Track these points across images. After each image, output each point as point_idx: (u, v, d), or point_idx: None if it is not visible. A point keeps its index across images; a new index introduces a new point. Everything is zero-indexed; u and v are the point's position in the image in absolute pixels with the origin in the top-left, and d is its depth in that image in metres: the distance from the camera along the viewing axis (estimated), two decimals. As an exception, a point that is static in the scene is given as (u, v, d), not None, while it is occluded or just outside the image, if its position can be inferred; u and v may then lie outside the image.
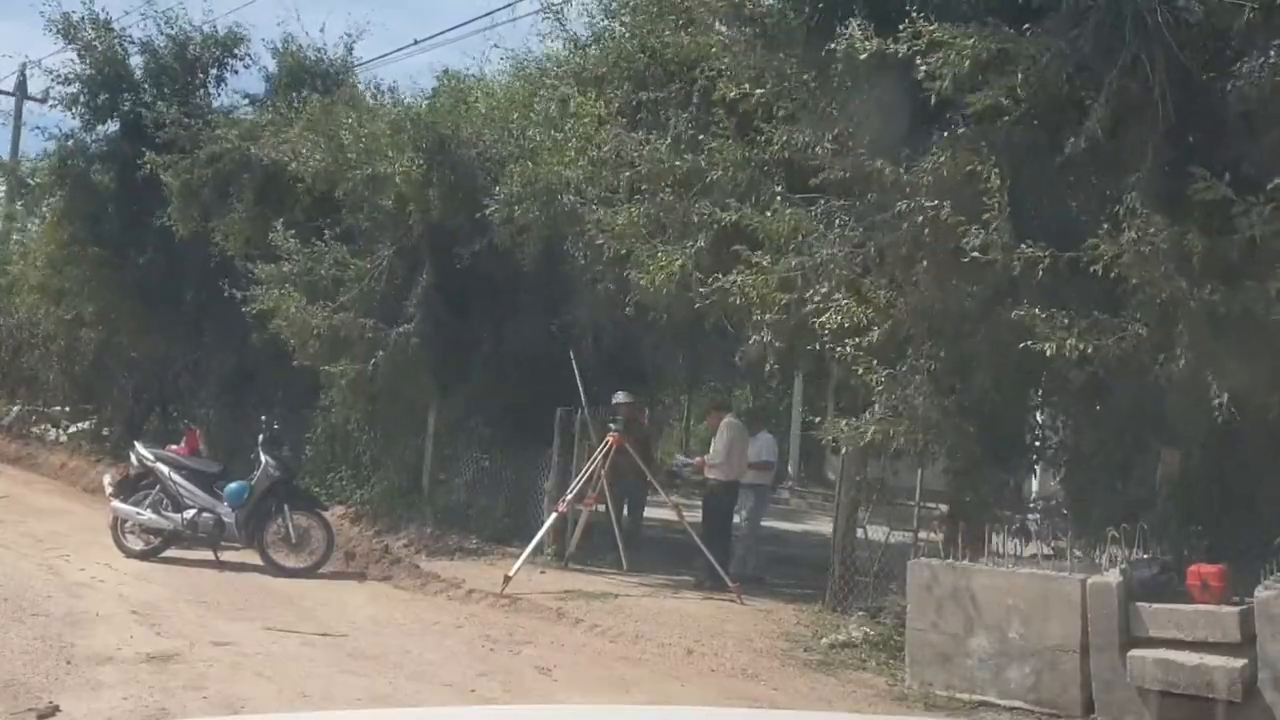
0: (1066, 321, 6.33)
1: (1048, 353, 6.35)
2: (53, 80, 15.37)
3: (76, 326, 17.05)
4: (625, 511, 11.92)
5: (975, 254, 6.54)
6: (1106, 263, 6.21)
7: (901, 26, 6.61)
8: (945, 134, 6.70)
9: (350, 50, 15.33)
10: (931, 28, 6.48)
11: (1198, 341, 6.19)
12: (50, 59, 15.59)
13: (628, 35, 10.44)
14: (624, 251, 8.91)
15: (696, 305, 8.40)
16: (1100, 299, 6.46)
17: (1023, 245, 6.42)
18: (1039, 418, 8.77)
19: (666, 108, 9.44)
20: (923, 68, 6.49)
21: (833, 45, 7.02)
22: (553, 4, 11.20)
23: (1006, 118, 6.48)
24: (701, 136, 8.63)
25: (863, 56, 6.81)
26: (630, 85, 9.97)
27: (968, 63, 6.37)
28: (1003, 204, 6.51)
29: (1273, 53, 5.96)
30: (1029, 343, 6.42)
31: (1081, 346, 6.28)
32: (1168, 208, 6.22)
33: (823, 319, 7.33)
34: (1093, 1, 6.38)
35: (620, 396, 11.42)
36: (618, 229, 8.88)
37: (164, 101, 14.57)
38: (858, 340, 7.22)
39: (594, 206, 9.41)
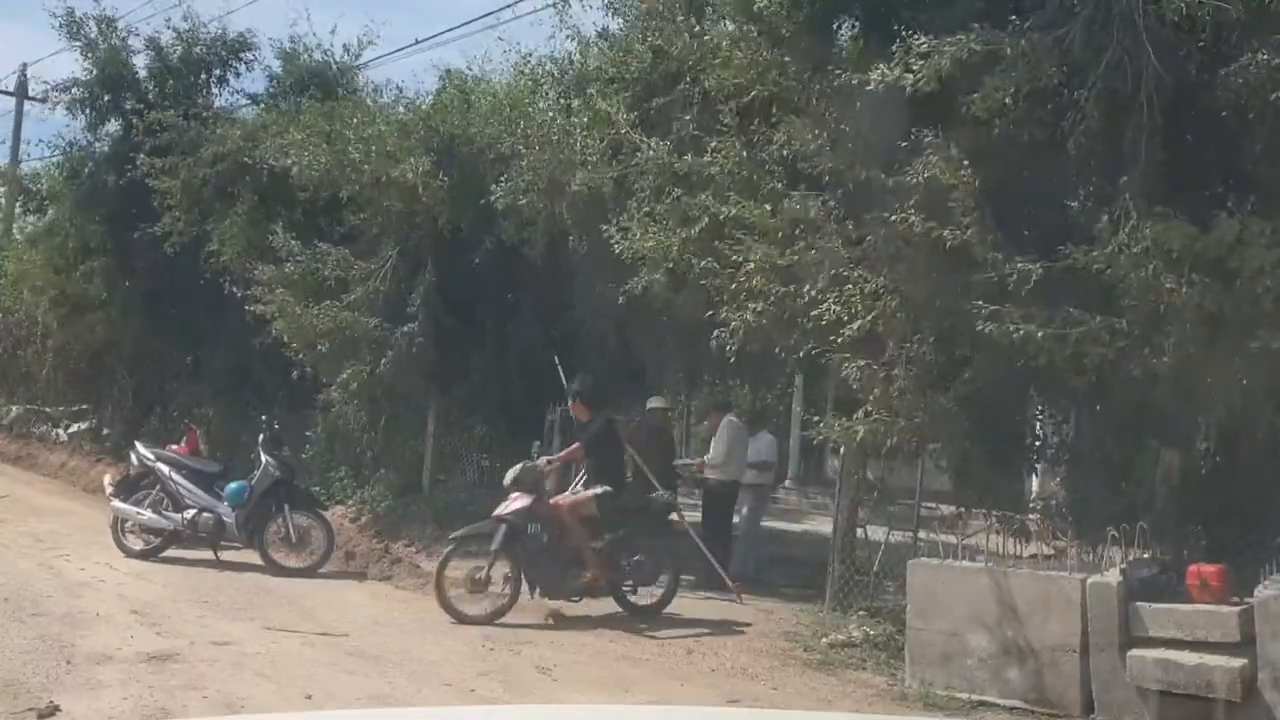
0: (1056, 330, 6.34)
1: (1040, 361, 6.36)
2: (54, 88, 15.45)
3: (77, 325, 17.06)
4: None
5: (960, 257, 6.57)
6: (1099, 266, 6.22)
7: (894, 47, 6.65)
8: (929, 141, 6.72)
9: (358, 57, 15.30)
10: (918, 39, 6.52)
11: (1187, 341, 6.19)
12: (52, 59, 15.70)
13: (630, 33, 10.43)
14: (638, 256, 8.86)
15: (683, 287, 8.38)
16: (1092, 300, 6.46)
17: (1013, 258, 6.42)
18: (1038, 416, 8.77)
19: (672, 110, 9.43)
20: (910, 74, 6.54)
21: (832, 67, 7.07)
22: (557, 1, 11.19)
23: (996, 119, 6.49)
24: (705, 138, 8.62)
25: (868, 88, 6.87)
26: (638, 88, 9.96)
27: (947, 61, 6.39)
28: (982, 211, 6.52)
29: (1263, 52, 5.97)
30: (1022, 361, 6.44)
31: (1072, 352, 6.29)
32: (1159, 206, 6.23)
33: (818, 310, 7.33)
34: (1080, 1, 6.40)
35: (654, 402, 11.45)
36: (634, 240, 8.81)
37: (165, 102, 14.57)
38: (850, 331, 7.22)
39: (603, 212, 9.36)
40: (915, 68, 6.52)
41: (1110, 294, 6.39)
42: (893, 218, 6.87)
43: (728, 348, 7.97)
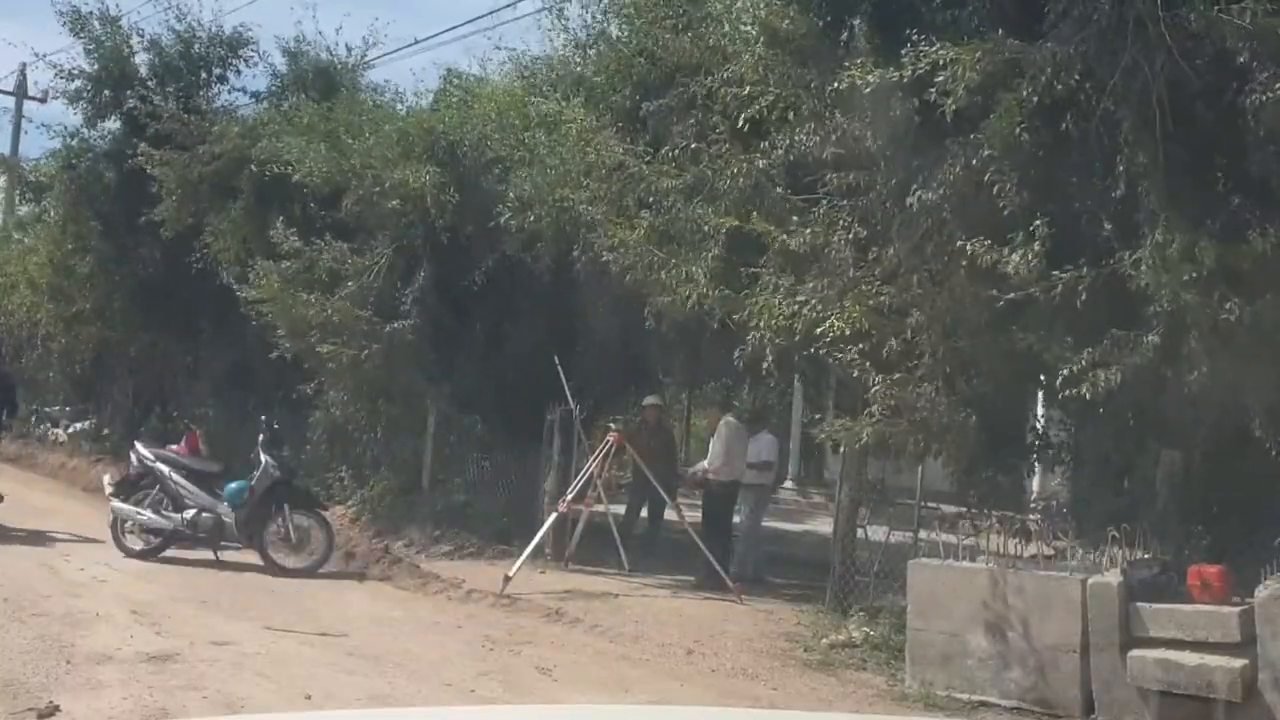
0: (1083, 348, 6.31)
1: (1065, 372, 6.34)
2: (57, 75, 15.40)
3: (76, 325, 17.06)
4: (644, 513, 11.92)
5: (1009, 274, 6.50)
6: (1122, 274, 6.19)
7: (904, 51, 6.61)
8: (959, 154, 6.64)
9: (363, 56, 15.30)
10: (936, 47, 6.48)
11: (1210, 352, 6.16)
12: (55, 55, 15.54)
13: (626, 38, 10.40)
14: (630, 264, 8.82)
15: (710, 312, 8.35)
16: (1112, 311, 6.43)
17: (1057, 272, 6.39)
18: (1039, 416, 8.75)
19: (668, 115, 9.39)
20: (933, 89, 6.49)
21: (837, 83, 7.01)
22: (554, 3, 11.18)
23: (1021, 126, 6.44)
24: (700, 146, 8.59)
25: (868, 91, 6.82)
26: (630, 91, 9.92)
27: (977, 75, 6.36)
28: (1038, 230, 6.44)
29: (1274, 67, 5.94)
30: (1042, 374, 6.40)
31: (1090, 361, 6.27)
32: (1181, 216, 6.20)
33: (824, 326, 7.30)
34: (1096, 9, 6.36)
35: (648, 399, 11.41)
36: (630, 243, 8.76)
37: (167, 100, 14.56)
38: (861, 346, 7.19)
39: (599, 220, 9.31)
40: (941, 86, 6.46)
41: (1135, 304, 6.35)
42: (925, 231, 6.81)
43: (765, 366, 7.93)
